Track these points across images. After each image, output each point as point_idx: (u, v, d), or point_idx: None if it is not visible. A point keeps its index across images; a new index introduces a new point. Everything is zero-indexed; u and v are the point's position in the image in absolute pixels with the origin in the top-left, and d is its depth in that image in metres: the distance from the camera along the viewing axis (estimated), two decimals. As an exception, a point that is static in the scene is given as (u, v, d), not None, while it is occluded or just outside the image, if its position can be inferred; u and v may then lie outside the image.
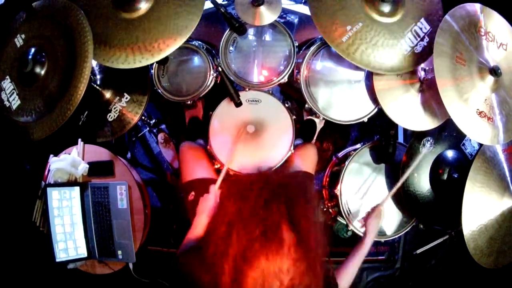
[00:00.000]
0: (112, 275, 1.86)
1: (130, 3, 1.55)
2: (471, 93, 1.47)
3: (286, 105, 1.92)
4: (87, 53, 1.44)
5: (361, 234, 1.91)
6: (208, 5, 1.71)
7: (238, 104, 1.80)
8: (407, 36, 1.62)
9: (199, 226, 1.44)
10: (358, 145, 2.14)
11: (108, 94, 1.84)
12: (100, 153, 1.89)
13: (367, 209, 1.73)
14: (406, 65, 1.61)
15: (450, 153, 1.81)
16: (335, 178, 2.03)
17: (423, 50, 1.62)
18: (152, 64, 1.90)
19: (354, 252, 1.55)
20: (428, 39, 1.62)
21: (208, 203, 1.50)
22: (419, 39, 1.63)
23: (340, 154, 2.23)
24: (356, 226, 1.92)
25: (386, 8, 1.60)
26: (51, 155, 1.85)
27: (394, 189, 1.68)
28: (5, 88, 1.57)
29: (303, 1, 2.43)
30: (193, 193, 1.77)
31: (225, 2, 2.30)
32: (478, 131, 1.47)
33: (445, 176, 1.78)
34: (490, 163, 1.65)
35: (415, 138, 1.79)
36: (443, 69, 1.43)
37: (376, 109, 1.87)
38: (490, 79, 1.48)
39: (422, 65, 1.69)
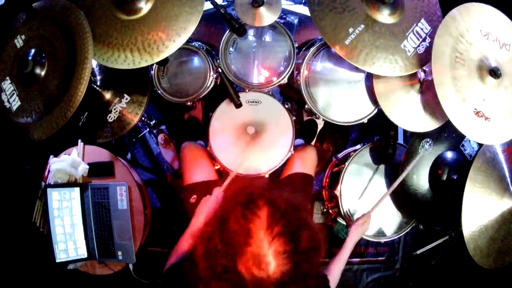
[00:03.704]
0: (112, 276, 1.86)
1: (130, 3, 1.55)
2: (470, 93, 1.47)
3: (286, 106, 1.92)
4: (87, 54, 1.44)
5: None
6: (208, 6, 1.71)
7: (238, 105, 1.80)
8: (409, 37, 1.61)
9: (195, 226, 1.44)
10: (358, 146, 2.14)
11: (108, 95, 1.84)
12: (100, 154, 1.89)
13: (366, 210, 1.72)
14: (410, 66, 1.59)
15: (449, 154, 1.81)
16: (335, 179, 2.03)
17: (426, 50, 1.61)
18: (152, 65, 1.90)
19: (336, 256, 1.56)
20: (429, 40, 1.62)
21: (208, 204, 1.50)
22: (421, 39, 1.62)
23: (340, 155, 2.23)
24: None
25: (386, 9, 1.59)
26: (51, 156, 1.85)
27: (384, 196, 1.68)
28: (5, 89, 1.58)
29: (302, 1, 2.43)
30: (194, 196, 1.77)
31: (225, 3, 2.30)
32: (476, 131, 1.47)
33: (444, 177, 1.78)
34: (490, 164, 1.65)
35: (415, 139, 1.79)
36: (442, 69, 1.43)
37: (376, 110, 1.87)
38: (489, 79, 1.48)
39: (422, 66, 1.69)
